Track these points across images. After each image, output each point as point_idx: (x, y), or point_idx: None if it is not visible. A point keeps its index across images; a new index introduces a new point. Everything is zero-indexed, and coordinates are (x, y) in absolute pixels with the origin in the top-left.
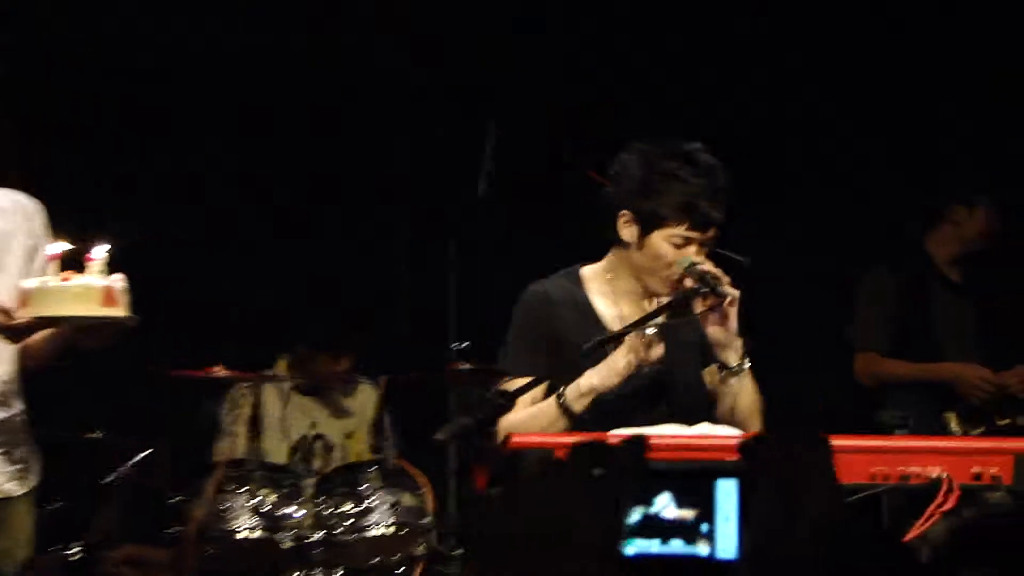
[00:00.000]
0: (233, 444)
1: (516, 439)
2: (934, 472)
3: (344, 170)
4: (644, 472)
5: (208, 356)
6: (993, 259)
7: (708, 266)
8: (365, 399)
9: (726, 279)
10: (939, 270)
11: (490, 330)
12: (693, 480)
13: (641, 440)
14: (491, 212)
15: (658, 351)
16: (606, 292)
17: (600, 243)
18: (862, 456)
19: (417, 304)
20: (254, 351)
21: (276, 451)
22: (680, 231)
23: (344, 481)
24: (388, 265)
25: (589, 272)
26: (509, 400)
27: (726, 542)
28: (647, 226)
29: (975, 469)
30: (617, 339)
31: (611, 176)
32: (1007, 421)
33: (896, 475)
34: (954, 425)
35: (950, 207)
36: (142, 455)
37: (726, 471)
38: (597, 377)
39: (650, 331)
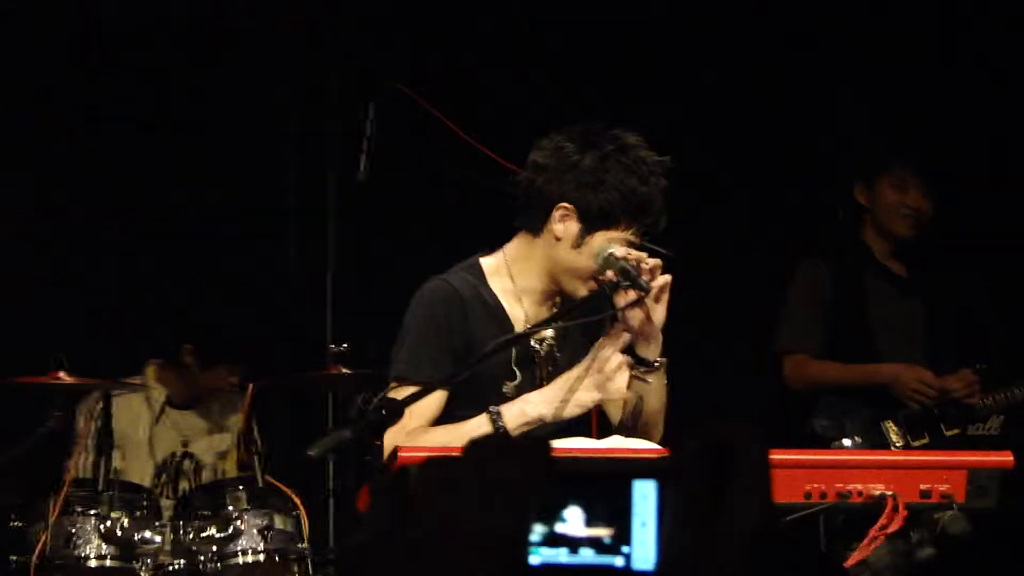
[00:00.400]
0: (82, 461)
1: (405, 453)
2: (877, 489)
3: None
4: (551, 471)
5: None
6: (937, 248)
7: (629, 255)
8: (236, 412)
9: (651, 264)
10: (877, 262)
11: (372, 331)
12: (606, 482)
13: (545, 439)
14: (371, 197)
15: (621, 383)
16: (508, 289)
17: (488, 233)
18: (796, 472)
19: (293, 301)
20: (115, 356)
21: (141, 472)
22: (627, 234)
23: (207, 502)
24: (268, 259)
25: (489, 266)
26: (395, 410)
27: (643, 551)
28: (592, 225)
29: (923, 486)
30: (522, 339)
31: (544, 164)
32: (955, 431)
33: (834, 493)
34: (893, 435)
35: (855, 188)
36: None
37: (643, 470)
38: (547, 408)
39: (614, 361)
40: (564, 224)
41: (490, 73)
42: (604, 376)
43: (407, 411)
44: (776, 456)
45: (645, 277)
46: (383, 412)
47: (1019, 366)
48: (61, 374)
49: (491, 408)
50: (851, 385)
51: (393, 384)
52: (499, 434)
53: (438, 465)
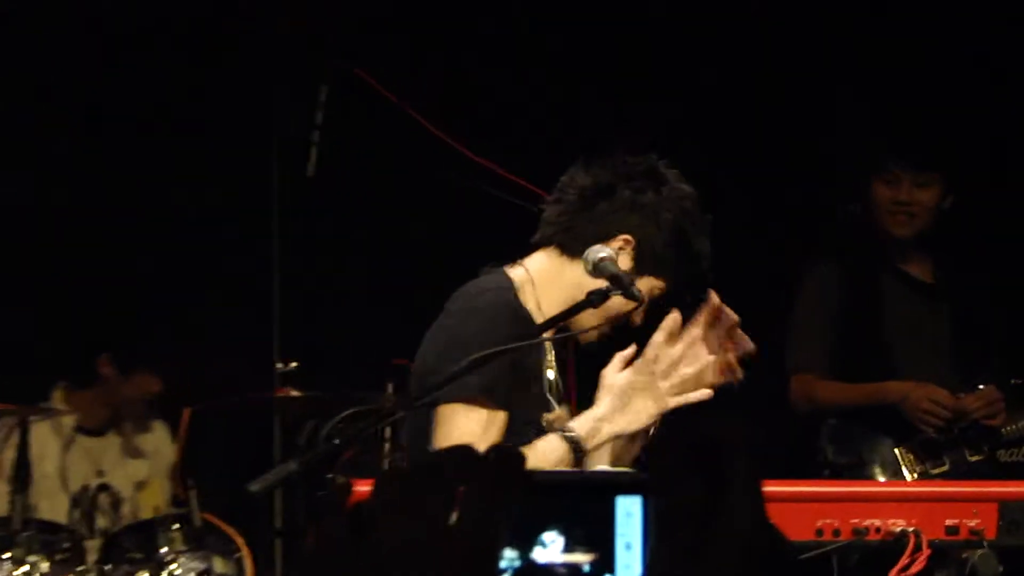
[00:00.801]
0: None
1: (362, 488)
2: (897, 526)
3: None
4: (524, 486)
5: None
6: (966, 247)
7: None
8: (160, 440)
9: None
10: (895, 264)
11: (321, 350)
12: (586, 498)
13: (517, 450)
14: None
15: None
16: (534, 312)
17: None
18: (805, 506)
19: (234, 315)
20: (19, 379)
21: (53, 507)
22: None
23: (138, 543)
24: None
25: (517, 283)
26: (347, 439)
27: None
28: (643, 267)
29: (949, 521)
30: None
31: (612, 187)
32: (978, 457)
33: (849, 529)
34: (906, 464)
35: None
36: None
37: (627, 486)
38: (623, 422)
39: (697, 360)
40: (617, 257)
41: (489, 73)
42: (681, 378)
43: (475, 438)
44: (783, 488)
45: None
46: (336, 441)
47: None
48: None
49: (565, 427)
50: (858, 406)
51: (458, 405)
52: (577, 456)
53: (393, 483)
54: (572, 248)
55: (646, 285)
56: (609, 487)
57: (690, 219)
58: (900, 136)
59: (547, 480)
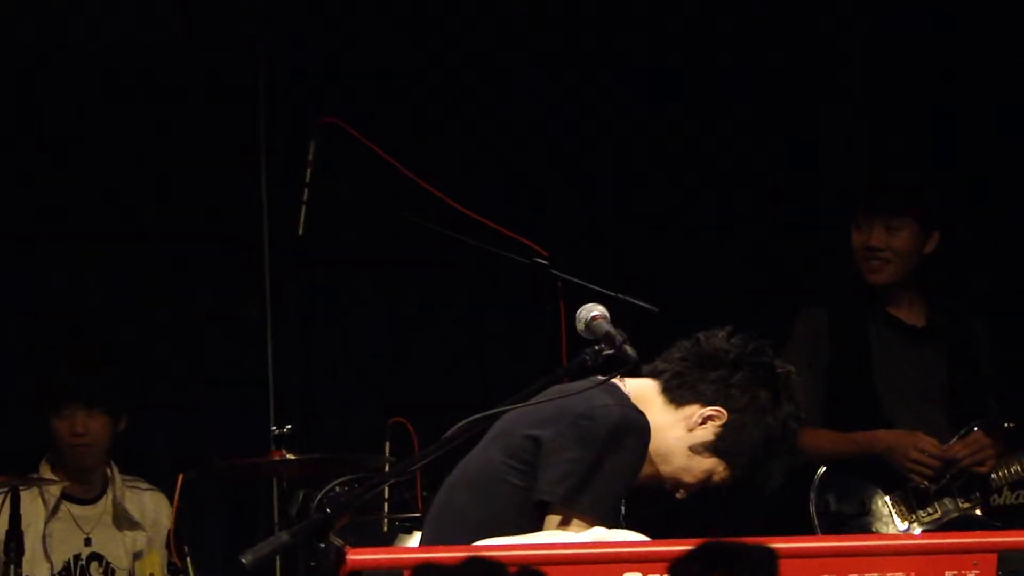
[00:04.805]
0: None
1: (355, 557)
2: None
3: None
4: None
5: None
6: (955, 290)
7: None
8: (156, 508)
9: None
10: (884, 310)
11: (317, 410)
12: None
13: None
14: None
15: None
16: None
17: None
18: (805, 563)
19: (225, 374)
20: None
21: None
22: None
23: None
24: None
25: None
26: (340, 508)
27: None
28: (719, 447)
29: (949, 572)
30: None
31: (734, 362)
32: (968, 505)
33: None
34: (897, 513)
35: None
36: None
37: None
38: None
39: None
40: (705, 425)
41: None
42: None
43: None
44: (786, 544)
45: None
46: (327, 511)
47: None
48: None
49: None
50: (845, 457)
51: (570, 516)
52: None
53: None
54: (673, 393)
55: (710, 464)
56: None
57: (785, 440)
58: (865, 182)
59: None
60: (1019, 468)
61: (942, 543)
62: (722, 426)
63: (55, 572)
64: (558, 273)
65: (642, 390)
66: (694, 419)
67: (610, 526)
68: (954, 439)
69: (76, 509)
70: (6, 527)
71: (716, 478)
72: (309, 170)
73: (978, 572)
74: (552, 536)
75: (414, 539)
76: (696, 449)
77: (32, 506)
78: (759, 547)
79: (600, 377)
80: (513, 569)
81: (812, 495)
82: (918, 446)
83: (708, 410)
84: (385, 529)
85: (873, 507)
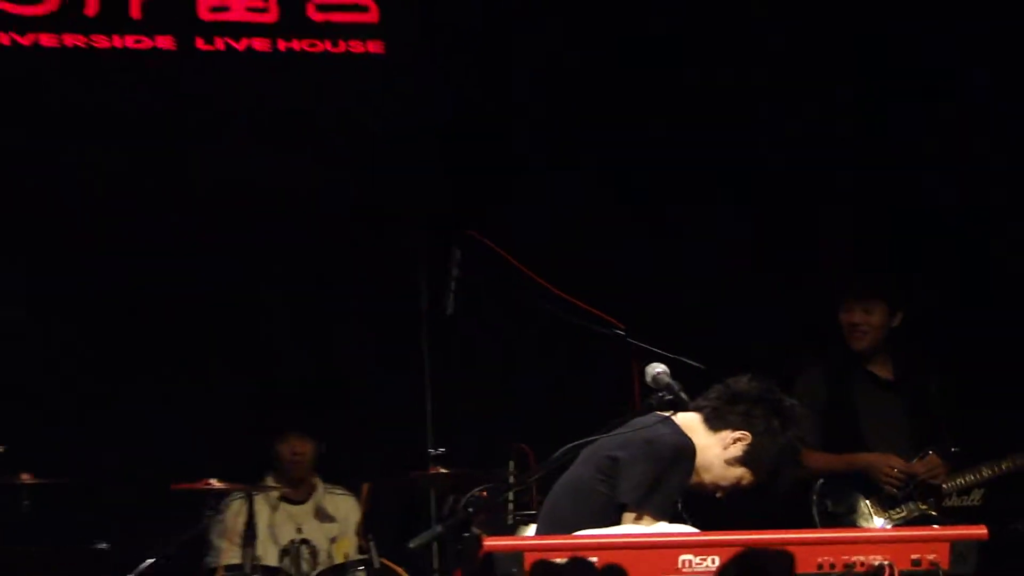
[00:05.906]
0: (228, 550)
1: (489, 543)
2: (876, 560)
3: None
4: None
5: (200, 469)
6: (919, 351)
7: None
8: (347, 508)
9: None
10: (863, 368)
11: (461, 437)
12: None
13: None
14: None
15: None
16: None
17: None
18: (811, 548)
19: (391, 409)
20: (245, 465)
21: (267, 555)
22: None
23: None
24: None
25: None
26: (479, 508)
27: None
28: (749, 462)
29: (914, 556)
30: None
31: (757, 400)
32: (924, 507)
33: (841, 564)
34: (875, 512)
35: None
36: (145, 565)
37: None
38: None
39: None
40: (735, 445)
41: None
42: None
43: None
44: (793, 535)
45: None
46: (470, 510)
47: (986, 450)
48: (212, 481)
49: None
50: (836, 473)
51: (641, 514)
52: None
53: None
54: (711, 422)
55: (739, 473)
56: None
57: (793, 455)
58: (849, 278)
59: None
60: (963, 481)
61: (909, 535)
62: (747, 445)
63: (280, 551)
64: (633, 341)
65: (689, 421)
66: (727, 441)
67: (670, 521)
68: (915, 460)
69: (291, 508)
70: (244, 521)
71: (744, 483)
72: (455, 267)
73: (935, 556)
74: (628, 528)
75: (530, 530)
76: (729, 462)
77: (261, 507)
78: (779, 552)
79: (660, 414)
80: (601, 552)
81: (813, 499)
82: (890, 464)
83: (737, 434)
84: (510, 522)
85: (858, 508)
